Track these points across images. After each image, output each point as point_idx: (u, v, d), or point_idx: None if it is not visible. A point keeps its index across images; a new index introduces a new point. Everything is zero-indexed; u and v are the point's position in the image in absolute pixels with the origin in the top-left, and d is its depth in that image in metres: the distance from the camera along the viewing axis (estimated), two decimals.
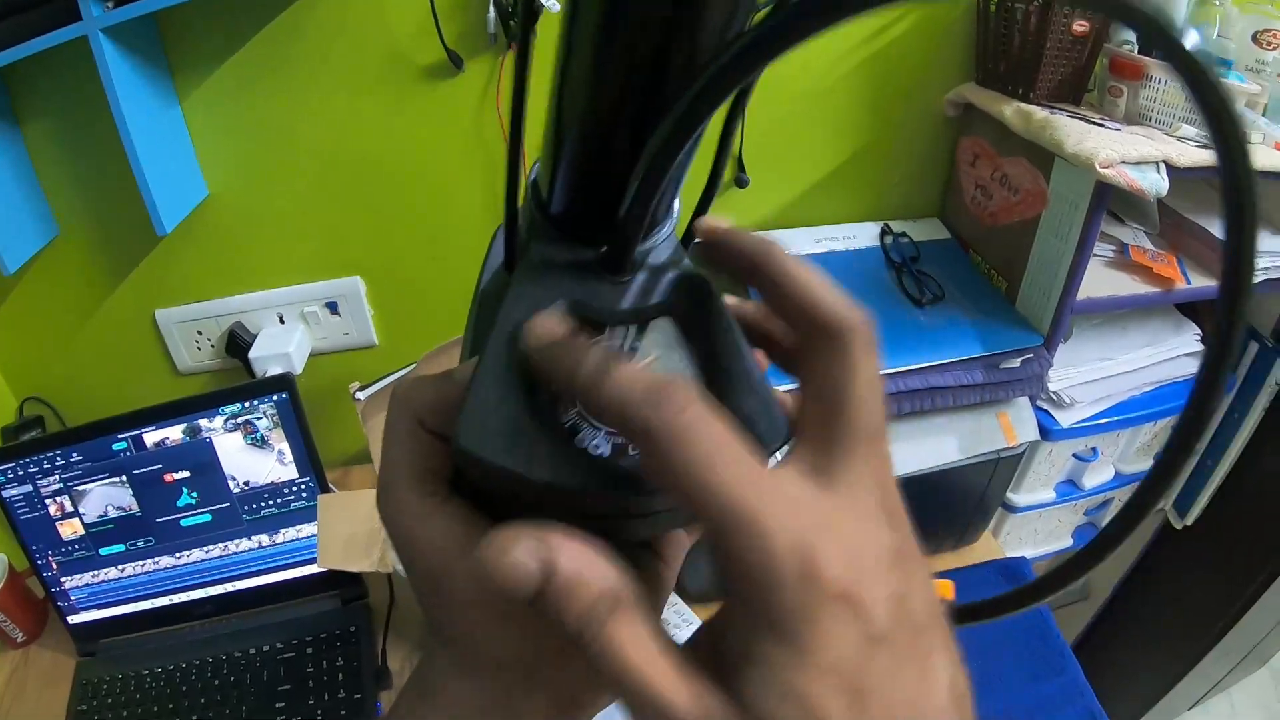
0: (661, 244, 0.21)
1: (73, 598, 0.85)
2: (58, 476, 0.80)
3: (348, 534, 0.72)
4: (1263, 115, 0.84)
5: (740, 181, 0.89)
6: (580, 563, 0.16)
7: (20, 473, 0.79)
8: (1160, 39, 0.13)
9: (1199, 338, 0.95)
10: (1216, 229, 0.88)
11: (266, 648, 0.82)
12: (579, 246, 0.20)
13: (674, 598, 0.79)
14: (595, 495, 0.18)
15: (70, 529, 0.82)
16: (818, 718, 0.14)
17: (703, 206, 0.23)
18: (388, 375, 0.79)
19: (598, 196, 0.19)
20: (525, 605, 0.16)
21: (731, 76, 0.15)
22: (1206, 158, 0.74)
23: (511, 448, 0.18)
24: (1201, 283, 0.85)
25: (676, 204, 0.22)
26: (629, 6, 0.16)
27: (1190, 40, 0.13)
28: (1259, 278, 0.85)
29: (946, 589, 0.84)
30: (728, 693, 0.15)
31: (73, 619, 0.86)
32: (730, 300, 0.22)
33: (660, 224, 0.21)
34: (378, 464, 0.80)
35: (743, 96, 0.20)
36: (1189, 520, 1.09)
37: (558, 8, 0.73)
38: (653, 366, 0.20)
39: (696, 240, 0.20)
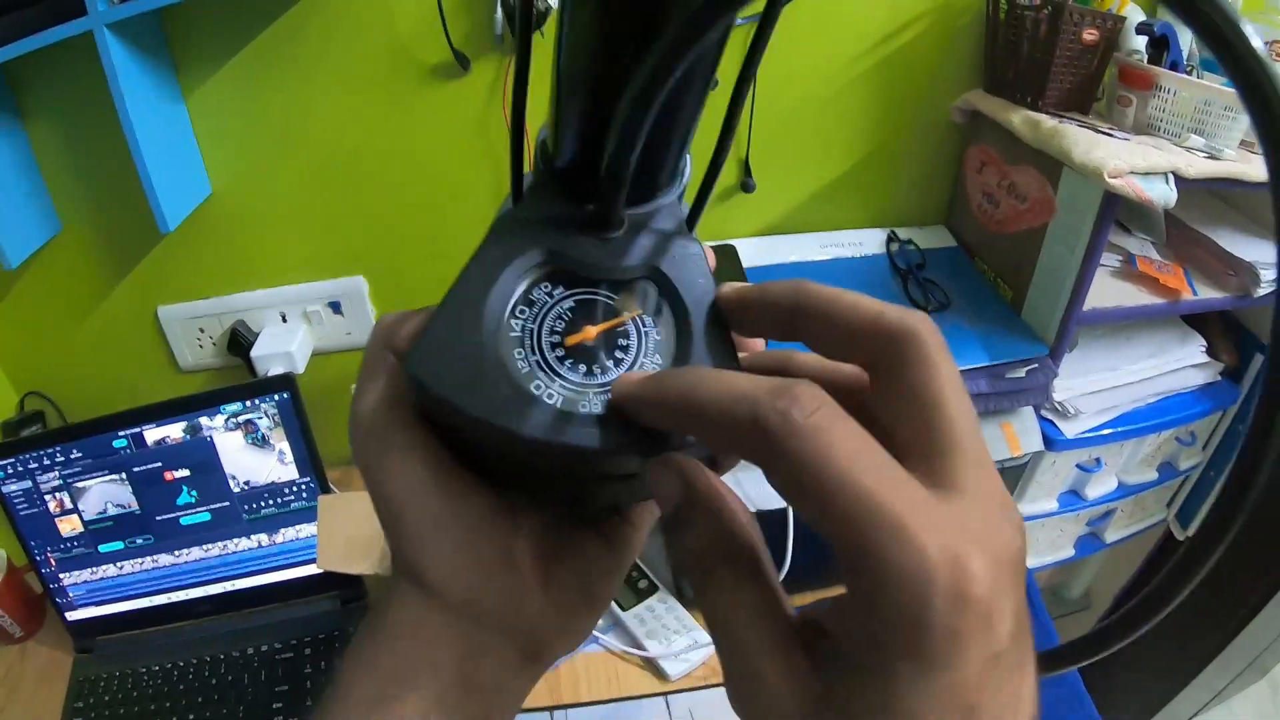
0: (664, 209, 0.21)
1: (71, 594, 0.85)
2: (57, 473, 0.79)
3: (348, 536, 0.72)
4: None
5: (746, 186, 0.89)
6: (719, 501, 0.17)
7: (20, 468, 0.79)
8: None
9: (1204, 349, 0.94)
10: (1223, 240, 0.87)
11: (265, 648, 0.82)
12: (575, 201, 0.20)
13: (672, 602, 0.79)
14: (534, 442, 0.17)
15: (69, 525, 0.82)
16: None
17: (702, 195, 0.23)
18: None
19: (593, 149, 0.19)
20: (668, 518, 0.17)
21: (696, 27, 0.15)
22: (1215, 168, 0.74)
23: (454, 379, 0.17)
24: (1208, 294, 0.85)
25: (686, 171, 0.22)
26: None
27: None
28: (1265, 289, 0.84)
29: None
30: (825, 690, 0.15)
31: (70, 615, 0.85)
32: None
33: (664, 188, 0.21)
34: None
35: (745, 81, 0.20)
36: (1191, 531, 1.09)
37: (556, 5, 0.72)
38: (628, 327, 0.19)
39: (725, 311, 0.20)
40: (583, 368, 0.19)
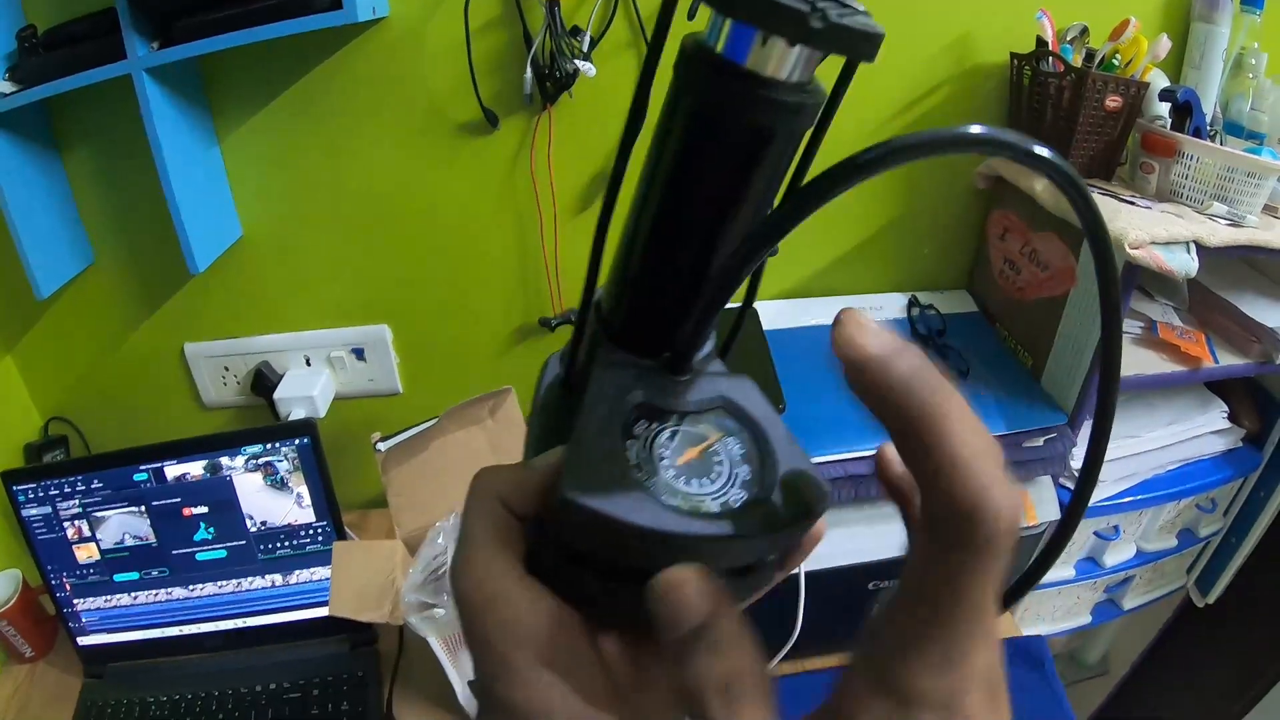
0: (705, 355, 0.26)
1: (84, 619, 0.85)
2: (78, 501, 0.81)
3: (361, 583, 0.72)
4: None
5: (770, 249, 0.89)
6: (739, 627, 0.17)
7: (41, 494, 0.80)
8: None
9: (1226, 414, 0.93)
10: (1246, 305, 0.86)
11: (273, 686, 0.82)
12: (644, 355, 0.25)
13: None
14: (680, 538, 0.21)
15: (86, 553, 0.83)
16: None
17: (734, 331, 0.28)
18: (410, 427, 0.79)
19: (658, 321, 0.25)
20: (677, 642, 0.17)
21: (766, 241, 0.20)
22: (1237, 236, 0.73)
23: (605, 498, 0.21)
24: (1229, 361, 0.84)
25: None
26: (693, 178, 0.21)
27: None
28: None
29: None
30: None
31: (82, 640, 0.86)
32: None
33: (707, 340, 0.26)
34: (395, 512, 0.78)
35: (755, 279, 0.25)
36: (1211, 599, 1.07)
37: (594, 72, 0.74)
38: (717, 446, 0.24)
39: (841, 357, 0.19)
40: (695, 482, 0.23)
